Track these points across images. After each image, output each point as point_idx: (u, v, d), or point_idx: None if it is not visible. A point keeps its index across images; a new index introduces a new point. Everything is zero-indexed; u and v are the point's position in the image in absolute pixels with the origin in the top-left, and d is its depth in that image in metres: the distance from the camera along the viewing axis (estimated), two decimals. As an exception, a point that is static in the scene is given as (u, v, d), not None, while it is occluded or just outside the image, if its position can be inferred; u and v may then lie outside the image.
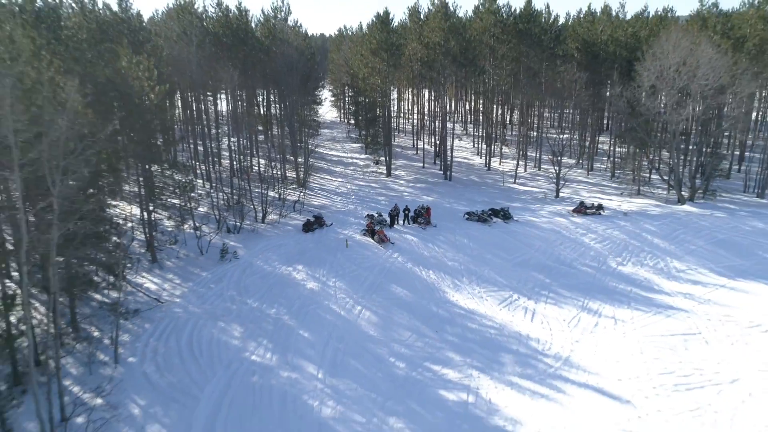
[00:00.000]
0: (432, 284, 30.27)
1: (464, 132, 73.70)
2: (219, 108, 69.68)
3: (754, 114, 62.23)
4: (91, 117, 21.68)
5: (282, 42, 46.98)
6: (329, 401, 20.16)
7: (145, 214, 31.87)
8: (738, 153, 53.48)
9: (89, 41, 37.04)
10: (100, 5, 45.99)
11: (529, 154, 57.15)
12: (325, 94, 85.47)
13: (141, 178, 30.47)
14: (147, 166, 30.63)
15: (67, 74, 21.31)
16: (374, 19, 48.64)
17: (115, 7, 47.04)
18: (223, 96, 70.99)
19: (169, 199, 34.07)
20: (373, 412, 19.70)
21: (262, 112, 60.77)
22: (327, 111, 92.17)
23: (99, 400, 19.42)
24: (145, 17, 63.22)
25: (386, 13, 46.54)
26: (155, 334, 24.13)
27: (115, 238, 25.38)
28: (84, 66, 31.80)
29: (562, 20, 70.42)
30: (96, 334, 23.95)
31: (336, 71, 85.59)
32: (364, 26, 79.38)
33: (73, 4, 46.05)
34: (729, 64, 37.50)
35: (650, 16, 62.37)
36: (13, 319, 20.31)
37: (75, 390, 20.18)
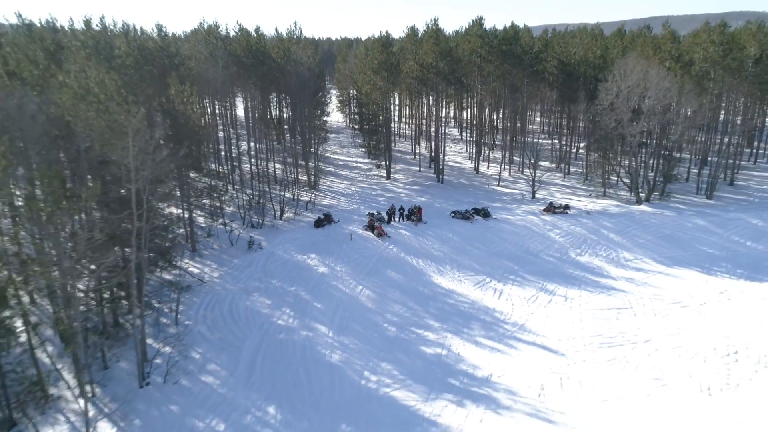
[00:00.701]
0: (420, 270, 37.21)
1: (460, 138, 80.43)
2: (237, 113, 76.81)
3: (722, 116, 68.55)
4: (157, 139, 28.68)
5: (295, 62, 53.97)
6: (337, 351, 27.19)
7: (186, 213, 38.97)
8: (700, 158, 59.90)
9: (134, 66, 44.23)
10: (139, 31, 53.29)
11: (515, 158, 63.90)
12: (332, 100, 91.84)
13: (184, 184, 37.46)
14: (188, 174, 37.68)
15: (138, 106, 28.24)
16: (376, 42, 55.49)
17: (144, 31, 54.54)
18: (240, 102, 78.13)
19: (203, 201, 41.19)
20: (369, 359, 26.69)
21: (275, 117, 67.58)
22: (335, 121, 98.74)
23: (168, 348, 26.50)
24: (169, 34, 70.25)
25: (387, 36, 53.42)
26: (203, 304, 31.24)
27: (163, 233, 32.41)
28: (131, 88, 38.91)
29: (547, 36, 77.12)
30: (158, 305, 31.04)
31: (342, 80, 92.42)
32: (368, 35, 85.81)
33: (112, 27, 53.48)
34: (677, 86, 44.09)
35: (626, 33, 68.87)
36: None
37: (149, 342, 27.26)
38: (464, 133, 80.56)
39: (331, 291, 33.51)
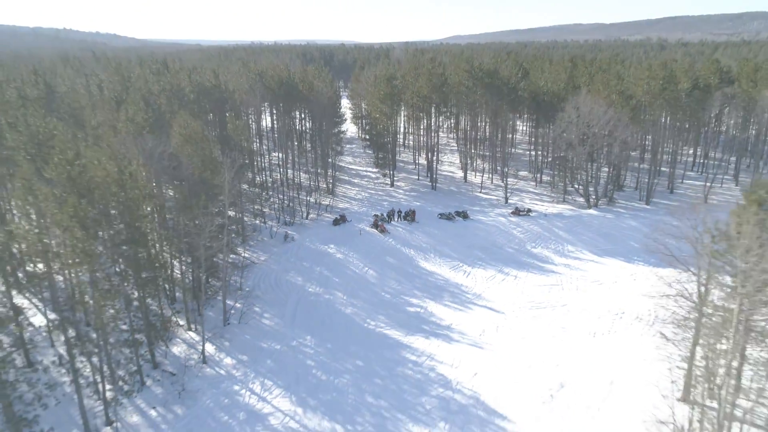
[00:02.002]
0: (411, 257, 50.39)
1: (457, 149, 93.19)
2: (266, 126, 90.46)
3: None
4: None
5: (318, 93, 67.47)
6: (349, 307, 40.58)
7: (239, 214, 52.67)
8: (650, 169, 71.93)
9: (196, 101, 58.22)
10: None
11: (498, 168, 76.55)
12: (346, 113, 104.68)
13: (239, 193, 51.05)
14: (241, 185, 51.32)
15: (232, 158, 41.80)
16: (382, 76, 68.75)
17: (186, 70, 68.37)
18: (267, 118, 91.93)
19: (249, 205, 54.79)
20: (370, 312, 40.02)
21: (298, 131, 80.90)
22: (349, 132, 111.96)
23: (239, 304, 40.08)
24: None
25: (391, 74, 66.57)
26: (257, 277, 44.82)
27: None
28: (197, 117, 52.65)
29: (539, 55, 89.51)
30: (220, 280, 44.63)
31: (355, 97, 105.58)
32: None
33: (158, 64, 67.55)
34: (615, 118, 56.50)
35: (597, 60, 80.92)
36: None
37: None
38: (460, 144, 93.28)
39: (345, 270, 46.94)
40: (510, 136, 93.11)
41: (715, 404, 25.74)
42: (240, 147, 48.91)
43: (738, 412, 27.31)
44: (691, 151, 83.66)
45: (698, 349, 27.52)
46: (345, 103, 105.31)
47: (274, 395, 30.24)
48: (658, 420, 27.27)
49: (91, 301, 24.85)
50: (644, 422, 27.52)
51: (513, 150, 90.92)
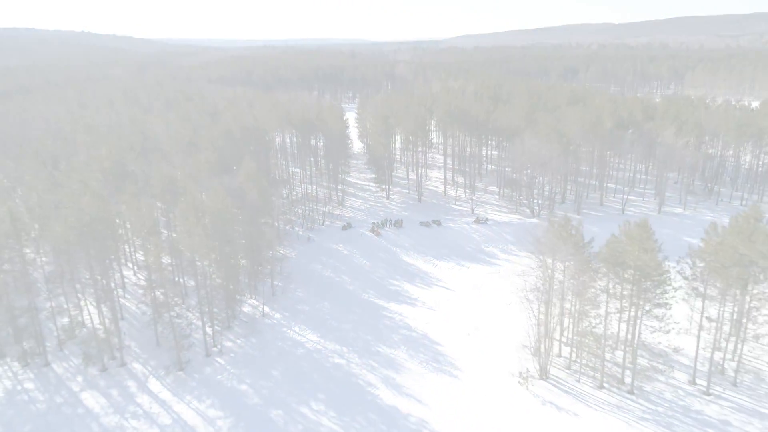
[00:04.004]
0: (396, 253, 71.50)
1: (443, 165, 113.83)
2: (288, 141, 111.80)
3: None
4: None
5: (330, 127, 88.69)
6: (351, 286, 61.94)
7: (275, 222, 74.06)
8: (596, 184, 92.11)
9: (240, 137, 79.77)
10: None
11: (476, 184, 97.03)
12: (353, 128, 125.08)
13: (274, 207, 72.37)
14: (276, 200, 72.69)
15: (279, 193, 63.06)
16: (379, 113, 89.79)
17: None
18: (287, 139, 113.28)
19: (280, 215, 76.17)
20: (365, 289, 61.31)
21: (314, 147, 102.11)
22: (355, 148, 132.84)
23: (280, 283, 61.49)
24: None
25: (386, 115, 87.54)
26: (290, 266, 66.07)
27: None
28: (237, 148, 74.06)
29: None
30: (268, 267, 66.10)
31: (362, 121, 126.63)
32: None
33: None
34: (550, 151, 76.92)
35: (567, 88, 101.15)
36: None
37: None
38: (448, 160, 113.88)
39: (350, 262, 68.24)
40: (489, 152, 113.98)
41: (556, 336, 46.59)
42: (278, 175, 70.05)
43: (572, 342, 48.28)
44: (634, 169, 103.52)
45: (552, 305, 48.28)
46: (352, 119, 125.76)
47: (306, 333, 51.65)
48: (523, 345, 48.27)
49: (216, 279, 46.12)
50: (516, 346, 48.55)
51: (489, 167, 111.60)
